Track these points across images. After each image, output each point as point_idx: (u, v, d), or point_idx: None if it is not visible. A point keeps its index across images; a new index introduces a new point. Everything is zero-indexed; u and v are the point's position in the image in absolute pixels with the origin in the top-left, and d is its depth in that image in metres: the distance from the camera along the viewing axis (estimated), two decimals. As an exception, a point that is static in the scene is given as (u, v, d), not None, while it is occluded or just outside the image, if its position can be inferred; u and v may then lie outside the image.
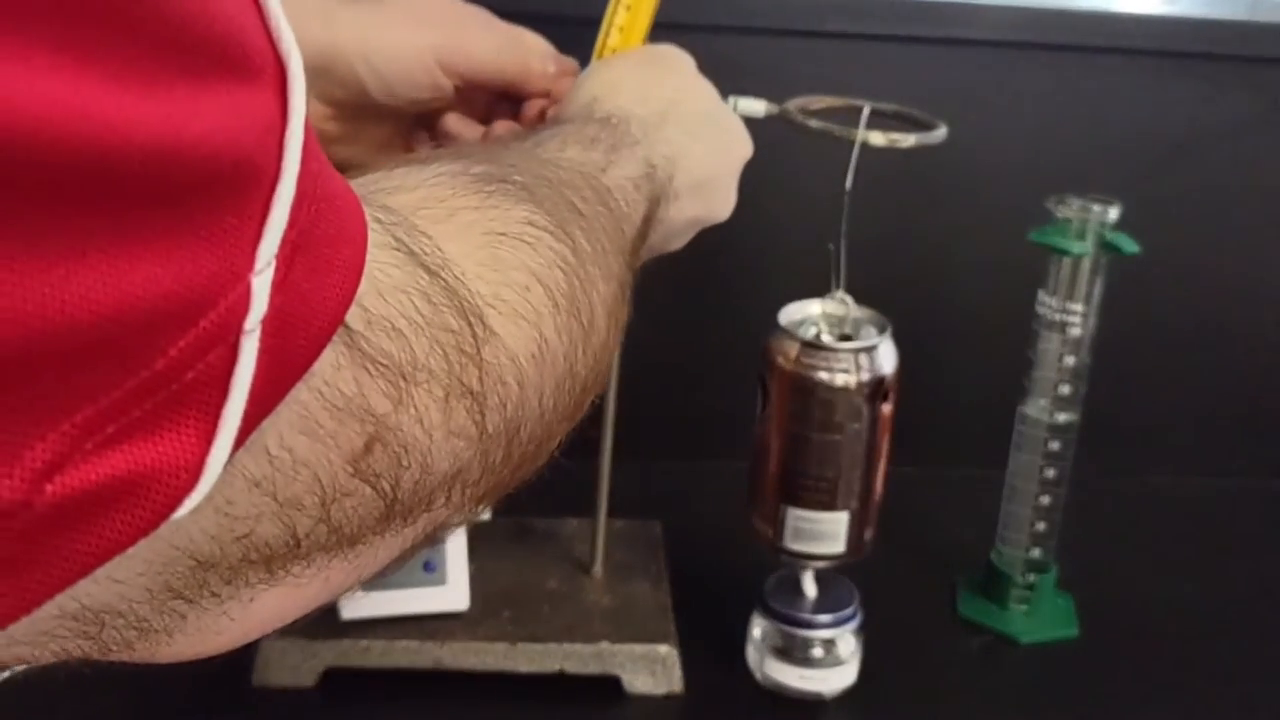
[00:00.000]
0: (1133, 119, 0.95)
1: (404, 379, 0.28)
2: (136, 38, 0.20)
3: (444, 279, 0.31)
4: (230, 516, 0.25)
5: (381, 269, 0.28)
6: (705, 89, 0.62)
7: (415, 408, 0.29)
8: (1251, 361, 1.02)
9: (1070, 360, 0.79)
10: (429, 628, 0.72)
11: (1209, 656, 0.80)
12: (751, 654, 0.75)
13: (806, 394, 0.69)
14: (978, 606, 0.83)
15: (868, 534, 0.72)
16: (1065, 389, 0.79)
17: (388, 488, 0.29)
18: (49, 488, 0.20)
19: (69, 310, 0.19)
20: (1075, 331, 0.78)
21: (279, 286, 0.23)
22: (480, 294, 0.32)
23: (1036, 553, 0.82)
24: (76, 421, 0.20)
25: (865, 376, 0.68)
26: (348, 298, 0.26)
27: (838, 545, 0.71)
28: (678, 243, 0.59)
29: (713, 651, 0.76)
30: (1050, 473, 0.81)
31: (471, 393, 0.31)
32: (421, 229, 0.31)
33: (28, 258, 0.19)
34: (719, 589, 0.80)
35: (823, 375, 0.68)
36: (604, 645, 0.72)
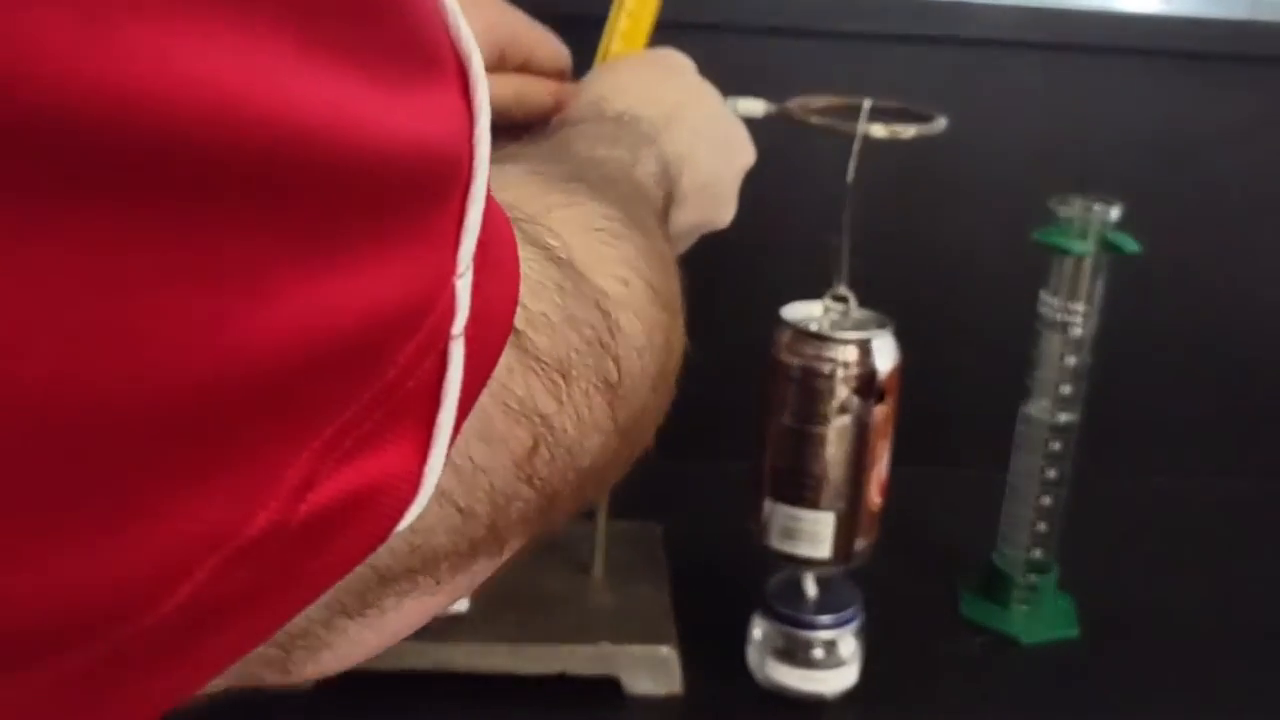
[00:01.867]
0: (1134, 118, 0.95)
1: (563, 376, 0.28)
2: (373, 37, 0.20)
3: (573, 272, 0.31)
4: (412, 529, 0.24)
5: (526, 265, 0.28)
6: (709, 92, 0.62)
7: (574, 404, 0.29)
8: (1253, 361, 1.02)
9: (1072, 360, 0.78)
10: (429, 629, 0.71)
11: (1210, 657, 0.80)
12: (752, 655, 0.75)
13: (793, 382, 0.69)
14: (979, 607, 0.82)
15: (859, 543, 0.72)
16: (1067, 389, 0.79)
17: (547, 488, 0.29)
18: (302, 508, 0.20)
19: (326, 322, 0.19)
20: (1077, 331, 0.78)
21: (475, 289, 0.23)
22: (597, 285, 0.32)
23: (1038, 553, 0.81)
24: (325, 438, 0.20)
25: (854, 370, 0.68)
26: (515, 296, 0.26)
27: (823, 549, 0.71)
28: (679, 248, 0.59)
29: (713, 653, 0.75)
30: (1052, 473, 0.81)
31: (610, 385, 0.31)
32: (541, 223, 0.31)
33: (297, 270, 0.18)
34: (720, 590, 0.80)
35: (809, 363, 0.68)
36: (605, 646, 0.72)
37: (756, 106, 0.69)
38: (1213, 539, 0.95)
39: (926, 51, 0.92)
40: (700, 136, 0.57)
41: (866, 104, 0.68)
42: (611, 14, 0.66)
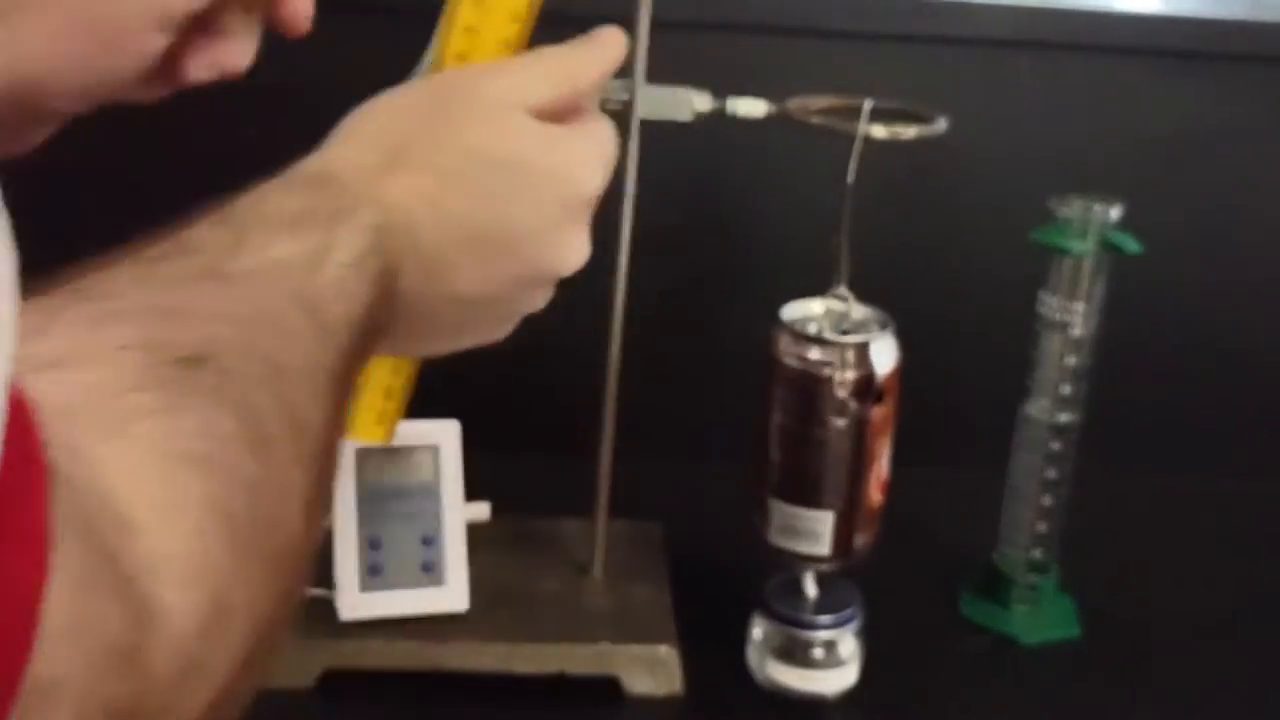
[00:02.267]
0: (1135, 118, 0.96)
1: (42, 696, 0.22)
2: None
3: (107, 558, 0.25)
4: None
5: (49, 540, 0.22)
6: (500, 123, 0.47)
7: None
8: (1254, 361, 1.02)
9: (1072, 360, 0.79)
10: (428, 628, 0.72)
11: (1210, 657, 0.80)
12: (752, 655, 0.75)
13: (792, 385, 0.70)
14: (979, 607, 0.82)
15: (859, 540, 0.72)
16: (1067, 389, 0.79)
17: None
18: None
19: None
20: (1077, 331, 0.78)
21: None
22: (152, 552, 0.27)
23: (1038, 553, 0.81)
24: None
25: (852, 373, 0.68)
26: (42, 583, 0.20)
27: (822, 546, 0.71)
28: (502, 314, 0.50)
29: (713, 652, 0.75)
30: (1052, 473, 0.81)
31: (124, 712, 0.25)
32: (86, 453, 0.25)
33: None
34: (719, 590, 0.80)
35: (808, 367, 0.69)
36: (604, 646, 0.72)
37: (758, 107, 0.70)
38: (1213, 539, 0.95)
39: (929, 51, 0.92)
40: (455, 177, 0.46)
41: (867, 105, 0.68)
42: (440, 24, 0.52)
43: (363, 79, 0.49)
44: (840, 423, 0.69)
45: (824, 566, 0.73)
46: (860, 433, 0.69)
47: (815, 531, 0.71)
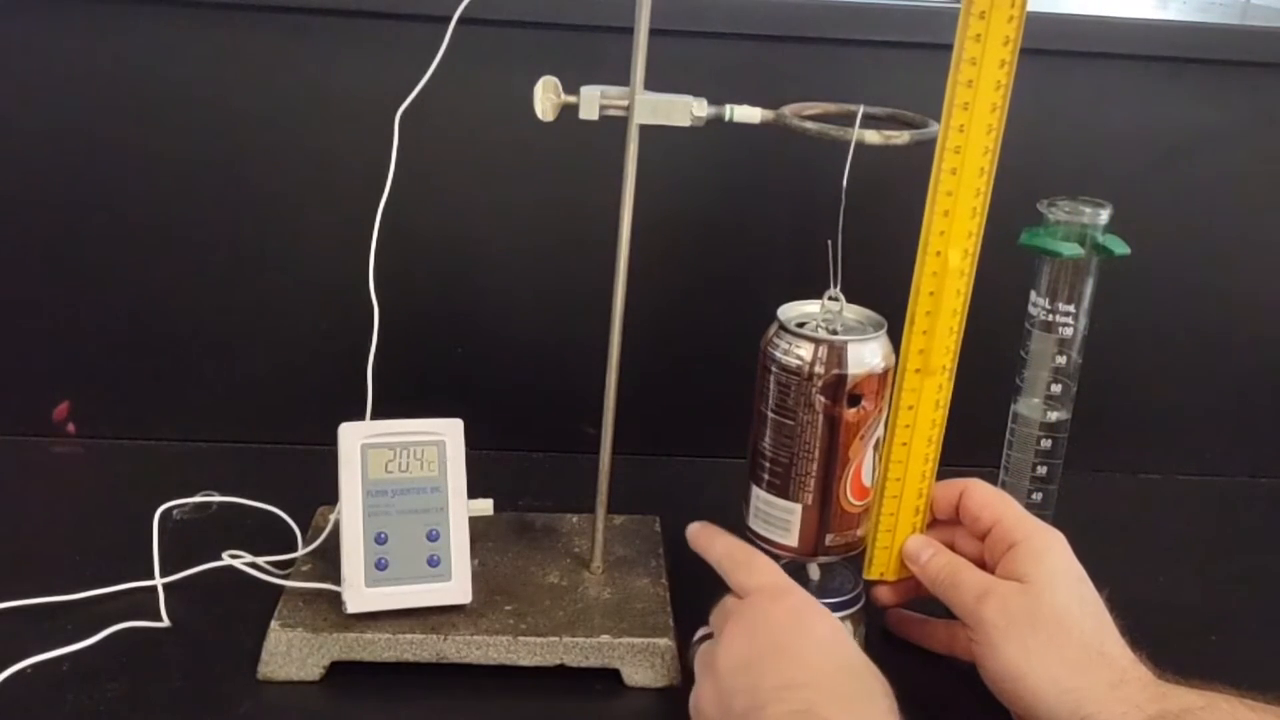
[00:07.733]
0: (1124, 122, 0.97)
1: None
2: None
3: None
4: None
5: None
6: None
7: None
8: (1241, 361, 1.03)
9: (1062, 360, 0.80)
10: (432, 621, 0.73)
11: (1200, 654, 0.80)
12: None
13: (770, 373, 0.71)
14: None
15: (832, 539, 0.73)
16: (1057, 388, 0.80)
17: None
18: None
19: None
20: (1066, 331, 0.79)
21: None
22: None
23: (1028, 548, 0.83)
24: None
25: (822, 369, 0.69)
26: None
27: (791, 537, 0.73)
28: None
29: (710, 645, 0.76)
30: (1042, 470, 0.82)
31: None
32: None
33: None
34: (717, 582, 0.81)
35: (783, 357, 0.70)
36: (604, 639, 0.73)
37: (753, 114, 0.70)
38: (1202, 536, 0.96)
39: (921, 57, 0.93)
40: None
41: (860, 111, 0.69)
42: None
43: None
44: (810, 417, 0.70)
45: (794, 558, 0.74)
46: (833, 431, 0.70)
47: (785, 521, 0.72)
